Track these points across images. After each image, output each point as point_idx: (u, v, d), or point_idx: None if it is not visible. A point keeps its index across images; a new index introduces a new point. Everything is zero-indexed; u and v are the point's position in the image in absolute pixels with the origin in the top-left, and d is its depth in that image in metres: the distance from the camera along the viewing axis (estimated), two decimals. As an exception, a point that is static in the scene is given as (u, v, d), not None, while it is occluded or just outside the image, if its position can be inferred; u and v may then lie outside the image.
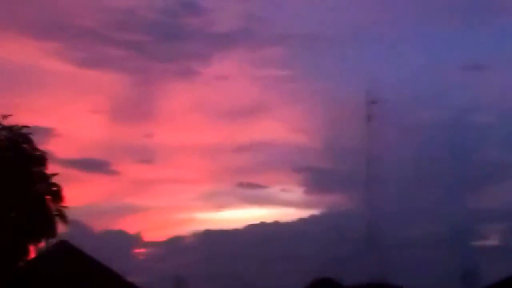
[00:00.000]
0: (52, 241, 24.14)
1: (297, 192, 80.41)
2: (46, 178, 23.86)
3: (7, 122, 23.70)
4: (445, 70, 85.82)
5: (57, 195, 23.86)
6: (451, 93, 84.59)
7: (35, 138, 24.01)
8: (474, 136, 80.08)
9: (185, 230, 77.46)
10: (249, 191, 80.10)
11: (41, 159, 23.86)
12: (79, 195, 62.41)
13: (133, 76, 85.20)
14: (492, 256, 67.76)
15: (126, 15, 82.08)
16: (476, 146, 79.32)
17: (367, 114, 55.63)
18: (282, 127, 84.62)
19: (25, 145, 23.66)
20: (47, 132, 64.49)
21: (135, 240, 73.05)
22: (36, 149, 23.86)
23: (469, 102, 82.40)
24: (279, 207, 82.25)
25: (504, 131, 79.93)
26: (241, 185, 79.69)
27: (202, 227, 76.25)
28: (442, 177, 73.33)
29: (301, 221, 75.44)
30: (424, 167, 73.74)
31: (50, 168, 24.19)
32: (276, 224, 75.47)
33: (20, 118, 24.38)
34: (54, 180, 23.92)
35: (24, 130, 23.61)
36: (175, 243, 74.37)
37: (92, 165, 74.94)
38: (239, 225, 76.85)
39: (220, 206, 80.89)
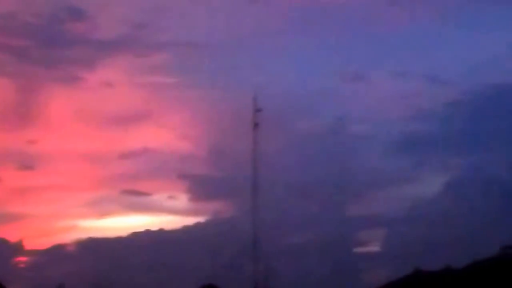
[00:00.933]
0: None
1: (182, 200, 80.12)
2: None
3: None
4: (326, 80, 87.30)
5: None
6: (332, 102, 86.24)
7: None
8: (354, 145, 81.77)
9: (68, 238, 75.61)
10: (133, 198, 79.24)
11: None
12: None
13: (15, 81, 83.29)
14: (372, 261, 69.31)
15: (7, 20, 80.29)
16: (356, 154, 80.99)
17: (253, 122, 55.56)
18: (167, 134, 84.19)
19: None
20: None
21: (16, 248, 70.95)
22: None
23: (349, 112, 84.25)
24: (164, 215, 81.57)
25: (382, 140, 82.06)
26: (125, 192, 78.84)
27: (85, 235, 74.80)
28: (324, 185, 74.34)
29: (186, 228, 75.12)
30: (306, 175, 74.63)
31: None
32: (160, 232, 74.77)
33: None
34: None
35: None
36: (57, 251, 72.64)
37: (-30, 172, 72.58)
38: (123, 232, 75.62)
39: (104, 214, 79.75)
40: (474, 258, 55.08)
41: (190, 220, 79.11)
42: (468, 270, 55.30)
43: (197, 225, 75.10)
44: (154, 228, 75.78)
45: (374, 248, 72.78)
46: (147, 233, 74.36)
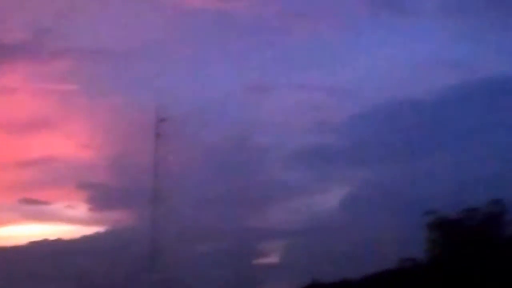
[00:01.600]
0: None
1: (81, 209, 78.41)
2: None
3: None
4: (231, 90, 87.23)
5: None
6: (236, 113, 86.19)
7: None
8: (257, 156, 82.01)
9: (-38, 247, 73.38)
10: (31, 207, 77.06)
11: None
12: None
13: None
14: (272, 272, 69.61)
15: None
16: (259, 165, 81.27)
17: (156, 131, 55.12)
18: (67, 143, 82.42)
19: None
20: None
21: None
22: None
23: (252, 123, 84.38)
24: (63, 224, 79.70)
25: (284, 151, 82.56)
26: (23, 201, 76.61)
27: (-20, 244, 72.72)
28: (226, 196, 74.20)
29: (85, 238, 73.51)
30: (209, 186, 74.32)
31: None
32: (59, 241, 73.26)
33: None
34: None
35: None
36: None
37: None
38: (21, 242, 73.64)
39: (1, 223, 77.66)
40: (371, 270, 55.99)
41: (89, 230, 77.50)
42: (365, 282, 56.20)
43: (96, 235, 73.97)
44: (52, 237, 74.27)
45: (273, 259, 73.22)
46: (45, 242, 72.79)
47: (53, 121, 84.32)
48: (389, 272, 52.75)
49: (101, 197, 77.73)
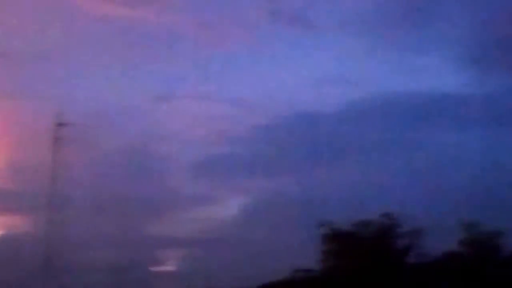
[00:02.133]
0: None
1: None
2: None
3: None
4: (134, 98, 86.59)
5: None
6: (139, 122, 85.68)
7: None
8: (158, 165, 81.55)
9: None
10: None
11: None
12: None
13: None
14: (168, 280, 69.28)
15: None
16: (159, 174, 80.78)
17: (54, 135, 54.26)
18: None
19: None
20: None
21: None
22: None
23: (154, 132, 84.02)
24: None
25: (185, 161, 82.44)
26: None
27: None
28: (125, 204, 73.57)
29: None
30: (108, 193, 73.40)
31: None
32: None
33: None
34: None
35: None
36: None
37: None
38: None
39: None
40: (266, 280, 56.55)
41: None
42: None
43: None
44: None
45: (170, 267, 72.88)
46: None
47: None
48: (283, 282, 53.40)
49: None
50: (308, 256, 48.70)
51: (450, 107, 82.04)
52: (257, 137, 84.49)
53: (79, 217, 64.45)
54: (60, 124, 54.25)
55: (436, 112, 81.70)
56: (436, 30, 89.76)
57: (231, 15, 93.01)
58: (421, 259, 43.63)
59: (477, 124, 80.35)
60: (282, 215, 70.82)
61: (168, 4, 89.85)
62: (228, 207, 78.55)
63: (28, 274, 57.95)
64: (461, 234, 43.53)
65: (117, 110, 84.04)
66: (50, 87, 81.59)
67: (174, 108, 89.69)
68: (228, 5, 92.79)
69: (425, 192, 65.10)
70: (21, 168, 73.95)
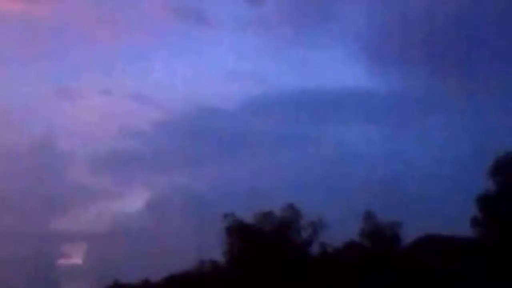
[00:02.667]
0: None
1: None
2: None
3: None
4: (36, 94, 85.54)
5: None
6: (41, 117, 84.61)
7: None
8: (61, 160, 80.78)
9: None
10: None
11: None
12: None
13: None
14: (74, 274, 68.87)
15: None
16: (62, 170, 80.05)
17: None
18: None
19: None
20: None
21: None
22: None
23: (57, 127, 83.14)
24: None
25: (88, 156, 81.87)
26: None
27: None
28: (29, 199, 72.75)
29: None
30: (12, 189, 72.55)
31: None
32: None
33: None
34: None
35: None
36: None
37: None
38: None
39: None
40: (172, 272, 56.84)
41: None
42: (165, 283, 57.05)
43: None
44: None
45: (76, 260, 72.49)
46: None
47: None
48: (189, 273, 53.79)
49: None
50: (213, 248, 49.19)
51: (349, 101, 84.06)
52: (159, 132, 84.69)
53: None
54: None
55: (336, 107, 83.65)
56: (335, 26, 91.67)
57: (131, 11, 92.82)
58: (323, 250, 44.60)
59: (376, 118, 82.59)
60: (186, 208, 71.39)
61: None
62: (132, 201, 78.60)
63: None
64: (360, 225, 44.62)
65: (17, 106, 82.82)
66: None
67: (75, 103, 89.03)
68: (127, 1, 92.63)
69: (326, 184, 66.66)
70: None
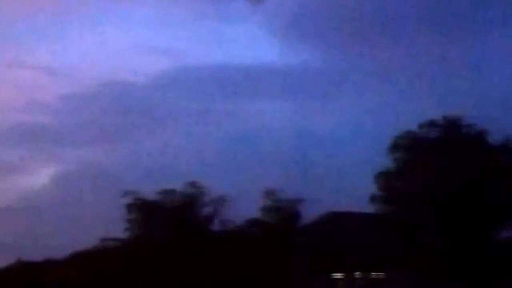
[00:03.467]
0: None
1: None
2: None
3: None
4: None
5: None
6: None
7: None
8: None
9: None
10: None
11: None
12: None
13: None
14: None
15: None
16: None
17: None
18: None
19: None
20: None
21: None
22: None
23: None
24: None
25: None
26: None
27: None
28: None
29: None
30: None
31: None
32: None
33: None
34: None
35: None
36: None
37: None
38: None
39: None
40: (75, 249, 56.27)
41: None
42: (69, 260, 56.43)
43: None
44: None
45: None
46: None
47: None
48: (93, 251, 53.35)
49: None
50: (117, 225, 48.85)
51: (262, 77, 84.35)
52: (67, 106, 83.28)
53: None
54: None
55: (246, 82, 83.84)
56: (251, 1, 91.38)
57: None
58: (225, 227, 44.74)
59: (288, 94, 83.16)
60: (93, 184, 70.55)
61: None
62: (37, 176, 77.24)
63: None
64: (263, 202, 44.89)
65: None
66: None
67: None
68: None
69: (234, 160, 66.91)
70: None
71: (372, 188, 45.95)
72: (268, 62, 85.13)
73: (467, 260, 40.09)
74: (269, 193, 44.68)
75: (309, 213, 47.35)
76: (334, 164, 66.54)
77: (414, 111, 63.42)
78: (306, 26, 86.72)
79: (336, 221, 50.46)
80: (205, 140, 74.62)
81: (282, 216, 44.86)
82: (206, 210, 44.93)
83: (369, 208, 46.51)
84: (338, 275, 45.47)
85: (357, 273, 45.50)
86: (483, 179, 41.59)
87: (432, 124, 44.79)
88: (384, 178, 42.71)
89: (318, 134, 76.27)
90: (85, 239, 54.24)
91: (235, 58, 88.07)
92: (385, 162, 43.81)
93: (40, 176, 78.59)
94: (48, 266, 57.82)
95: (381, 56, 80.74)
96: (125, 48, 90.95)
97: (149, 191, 45.57)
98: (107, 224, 52.29)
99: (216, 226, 44.95)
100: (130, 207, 44.22)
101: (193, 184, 44.56)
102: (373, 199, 43.98)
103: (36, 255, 59.56)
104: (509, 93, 77.25)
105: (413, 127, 44.09)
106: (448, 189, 41.15)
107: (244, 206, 46.47)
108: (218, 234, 44.68)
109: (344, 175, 61.93)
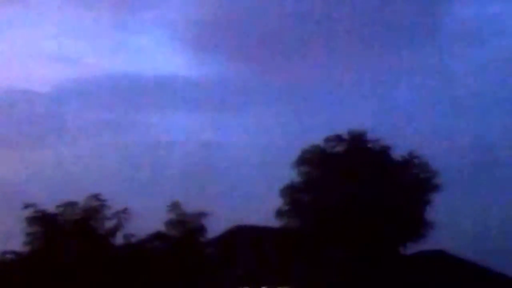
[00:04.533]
0: None
1: None
2: None
3: None
4: None
5: None
6: None
7: None
8: None
9: None
10: None
11: None
12: None
13: None
14: None
15: None
16: None
17: None
18: None
19: None
20: None
21: None
22: None
23: None
24: None
25: None
26: None
27: None
28: None
29: None
30: None
31: None
32: None
33: None
34: None
35: None
36: None
37: None
38: None
39: None
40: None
41: None
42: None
43: None
44: None
45: None
46: None
47: None
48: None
49: None
50: (17, 239, 47.56)
51: (170, 89, 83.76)
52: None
53: None
54: None
55: (155, 94, 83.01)
56: (160, 12, 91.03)
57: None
58: (128, 240, 44.08)
59: (195, 107, 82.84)
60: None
61: None
62: None
63: None
64: (167, 215, 44.56)
65: None
66: None
67: None
68: None
69: (140, 173, 66.15)
70: None
71: (279, 201, 46.28)
72: (177, 74, 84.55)
73: (371, 274, 40.60)
74: (173, 206, 44.32)
75: (215, 227, 47.21)
76: (241, 177, 66.56)
77: (322, 125, 64.09)
78: (217, 38, 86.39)
79: (241, 235, 50.49)
80: (110, 152, 73.43)
81: (186, 229, 44.52)
82: (109, 223, 44.06)
83: (276, 222, 46.78)
84: (243, 290, 45.39)
85: (263, 287, 45.52)
86: (385, 194, 42.26)
87: (337, 138, 45.38)
88: (290, 191, 43.01)
89: (226, 147, 76.15)
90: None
91: (145, 69, 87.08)
92: (292, 175, 44.14)
93: None
94: None
95: (291, 69, 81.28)
96: (29, 56, 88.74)
97: (51, 203, 44.32)
98: (6, 237, 50.73)
99: (119, 239, 44.11)
100: (30, 220, 43.02)
101: (95, 197, 43.68)
102: (279, 213, 44.26)
103: None
104: (414, 106, 79.35)
105: (320, 141, 44.55)
106: (352, 204, 41.65)
107: (149, 220, 45.93)
108: (120, 248, 43.90)
109: (252, 189, 62.03)
